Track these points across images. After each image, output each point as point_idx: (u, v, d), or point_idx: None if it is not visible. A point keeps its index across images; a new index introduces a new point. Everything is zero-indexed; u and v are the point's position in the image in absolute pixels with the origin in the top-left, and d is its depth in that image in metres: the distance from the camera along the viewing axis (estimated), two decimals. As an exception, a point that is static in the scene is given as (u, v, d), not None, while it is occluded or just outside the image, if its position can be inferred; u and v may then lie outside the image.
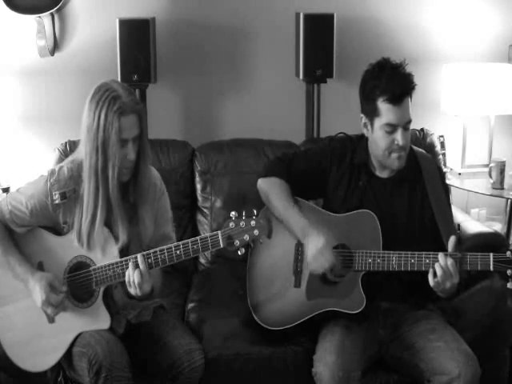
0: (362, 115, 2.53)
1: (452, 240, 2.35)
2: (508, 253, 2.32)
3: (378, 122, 2.45)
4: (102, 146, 2.28)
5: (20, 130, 3.68)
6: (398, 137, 2.43)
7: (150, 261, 2.31)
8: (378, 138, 2.47)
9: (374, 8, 3.83)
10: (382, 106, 2.42)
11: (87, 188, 2.34)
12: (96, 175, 2.31)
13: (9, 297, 2.44)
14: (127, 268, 2.31)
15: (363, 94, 2.51)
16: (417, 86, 2.46)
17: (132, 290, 2.31)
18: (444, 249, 2.39)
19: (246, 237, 2.25)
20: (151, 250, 2.32)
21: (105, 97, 2.27)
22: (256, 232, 2.25)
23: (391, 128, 2.43)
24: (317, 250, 2.42)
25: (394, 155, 2.47)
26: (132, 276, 2.29)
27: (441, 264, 2.31)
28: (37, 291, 2.33)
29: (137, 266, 2.30)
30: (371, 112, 2.46)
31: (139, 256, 2.30)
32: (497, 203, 3.92)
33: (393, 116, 2.42)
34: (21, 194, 2.43)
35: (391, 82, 2.41)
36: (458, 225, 2.74)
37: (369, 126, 2.50)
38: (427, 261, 2.36)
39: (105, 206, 2.34)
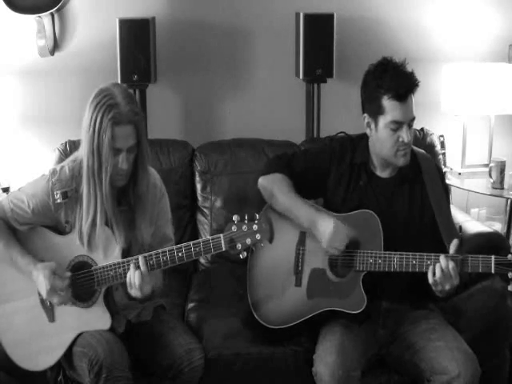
0: (364, 115, 2.53)
1: (454, 243, 2.35)
2: (509, 256, 2.31)
3: (383, 120, 2.45)
4: (96, 149, 2.27)
5: (20, 130, 3.68)
6: (403, 134, 2.44)
7: (151, 262, 2.31)
8: (382, 137, 2.47)
9: (373, 8, 3.83)
10: (388, 103, 2.42)
11: (86, 189, 2.34)
12: (93, 177, 2.31)
13: (9, 295, 2.44)
14: (129, 268, 2.32)
15: (366, 94, 2.51)
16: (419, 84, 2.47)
17: (133, 292, 2.31)
18: (444, 249, 2.39)
19: (248, 240, 2.25)
20: (153, 252, 2.32)
21: (102, 103, 2.26)
22: (258, 236, 2.25)
23: (397, 125, 2.43)
24: (331, 228, 2.42)
25: (400, 153, 2.47)
26: (133, 277, 2.29)
27: (442, 266, 2.31)
28: (41, 281, 2.32)
29: (138, 267, 2.30)
30: (375, 111, 2.46)
31: (140, 258, 2.30)
32: (497, 203, 3.92)
33: (398, 113, 2.42)
34: (22, 192, 2.43)
35: (395, 79, 2.41)
36: (460, 226, 2.74)
37: (372, 126, 2.50)
38: (428, 262, 2.36)
39: (104, 207, 2.34)
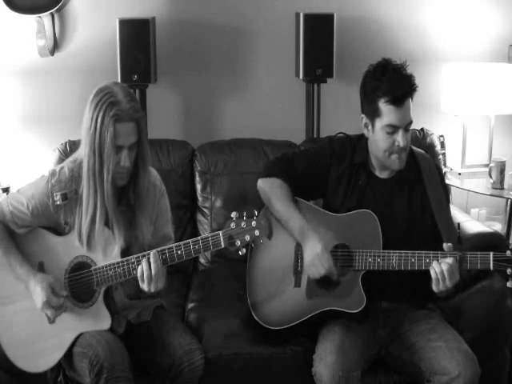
0: (362, 115, 2.53)
1: (447, 246, 2.36)
2: (508, 252, 2.32)
3: (379, 123, 2.45)
4: (98, 149, 2.28)
5: (20, 130, 3.69)
6: (399, 138, 2.44)
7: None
8: (378, 139, 2.48)
9: (373, 8, 3.83)
10: (384, 107, 2.42)
11: (86, 189, 2.34)
12: (94, 176, 2.31)
13: (9, 297, 2.43)
14: (128, 268, 2.32)
15: (364, 95, 2.51)
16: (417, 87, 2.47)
17: (145, 286, 2.31)
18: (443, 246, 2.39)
19: (247, 237, 2.26)
20: (154, 250, 2.32)
21: (103, 101, 2.26)
22: (257, 232, 2.25)
23: (392, 129, 2.43)
24: (314, 255, 2.43)
25: (394, 156, 2.48)
26: (146, 271, 2.29)
27: (441, 263, 2.32)
28: (37, 292, 2.33)
29: (149, 262, 2.30)
30: (372, 113, 2.46)
31: (153, 253, 2.30)
32: (497, 203, 3.92)
33: (394, 117, 2.42)
34: (21, 194, 2.43)
35: (393, 83, 2.41)
36: (458, 224, 2.74)
37: (369, 127, 2.50)
38: (427, 260, 2.37)
39: (104, 207, 2.34)
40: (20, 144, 3.71)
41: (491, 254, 2.33)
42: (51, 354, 2.40)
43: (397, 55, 2.54)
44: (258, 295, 2.57)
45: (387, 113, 2.42)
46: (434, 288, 2.35)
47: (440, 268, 2.32)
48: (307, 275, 2.52)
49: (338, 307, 2.46)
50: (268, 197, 2.58)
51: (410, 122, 2.46)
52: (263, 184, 2.62)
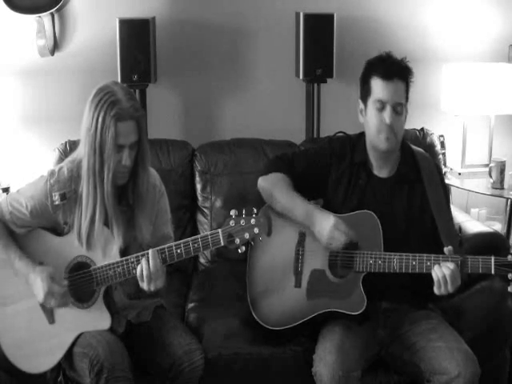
0: (358, 101, 2.55)
1: (448, 250, 2.35)
2: (509, 257, 2.31)
3: (370, 101, 2.48)
4: (99, 148, 2.28)
5: (20, 130, 3.68)
6: (386, 115, 2.44)
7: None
8: (369, 118, 2.50)
9: (373, 8, 3.83)
10: (374, 82, 2.46)
11: (86, 188, 2.34)
12: (94, 176, 2.31)
13: (9, 298, 2.43)
14: (128, 267, 2.32)
15: (361, 80, 2.55)
16: (416, 85, 2.49)
17: (145, 285, 2.31)
18: (443, 249, 2.39)
19: (246, 235, 2.26)
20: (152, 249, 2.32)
21: (104, 100, 2.26)
22: (256, 230, 2.26)
23: (381, 105, 2.45)
24: (330, 226, 2.43)
25: (382, 136, 2.47)
26: (146, 270, 2.29)
27: (442, 268, 2.32)
28: (38, 284, 2.32)
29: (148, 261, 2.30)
30: (365, 94, 2.50)
31: (152, 251, 2.30)
32: (497, 203, 3.92)
33: (382, 91, 2.44)
34: (21, 194, 2.43)
35: (386, 61, 2.48)
36: (460, 227, 2.74)
37: (364, 111, 2.52)
38: (428, 263, 2.36)
39: (103, 206, 2.34)
40: (20, 144, 3.70)
41: (493, 258, 2.31)
42: (51, 354, 2.40)
43: (397, 55, 2.55)
44: (258, 295, 2.57)
45: (376, 87, 2.46)
46: (436, 291, 2.34)
47: (442, 273, 2.31)
48: (309, 274, 2.52)
49: (338, 309, 2.45)
50: (270, 191, 2.58)
51: (400, 104, 2.46)
52: (264, 181, 2.62)
